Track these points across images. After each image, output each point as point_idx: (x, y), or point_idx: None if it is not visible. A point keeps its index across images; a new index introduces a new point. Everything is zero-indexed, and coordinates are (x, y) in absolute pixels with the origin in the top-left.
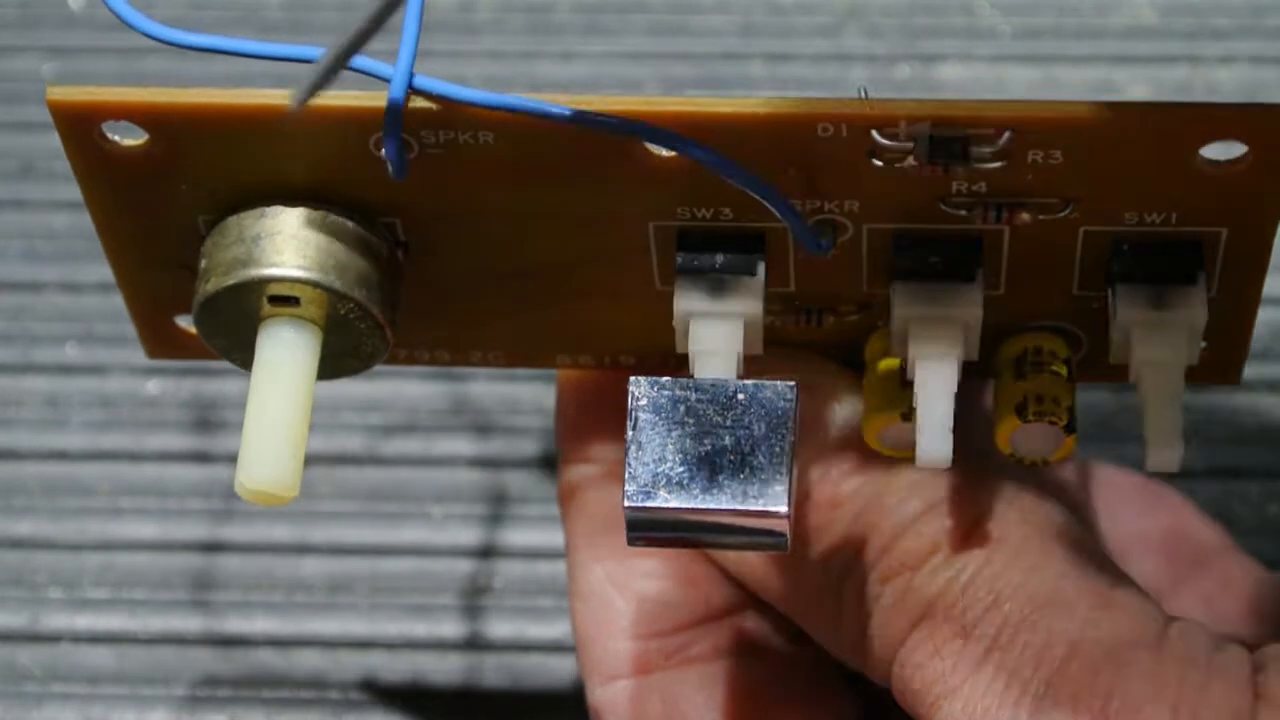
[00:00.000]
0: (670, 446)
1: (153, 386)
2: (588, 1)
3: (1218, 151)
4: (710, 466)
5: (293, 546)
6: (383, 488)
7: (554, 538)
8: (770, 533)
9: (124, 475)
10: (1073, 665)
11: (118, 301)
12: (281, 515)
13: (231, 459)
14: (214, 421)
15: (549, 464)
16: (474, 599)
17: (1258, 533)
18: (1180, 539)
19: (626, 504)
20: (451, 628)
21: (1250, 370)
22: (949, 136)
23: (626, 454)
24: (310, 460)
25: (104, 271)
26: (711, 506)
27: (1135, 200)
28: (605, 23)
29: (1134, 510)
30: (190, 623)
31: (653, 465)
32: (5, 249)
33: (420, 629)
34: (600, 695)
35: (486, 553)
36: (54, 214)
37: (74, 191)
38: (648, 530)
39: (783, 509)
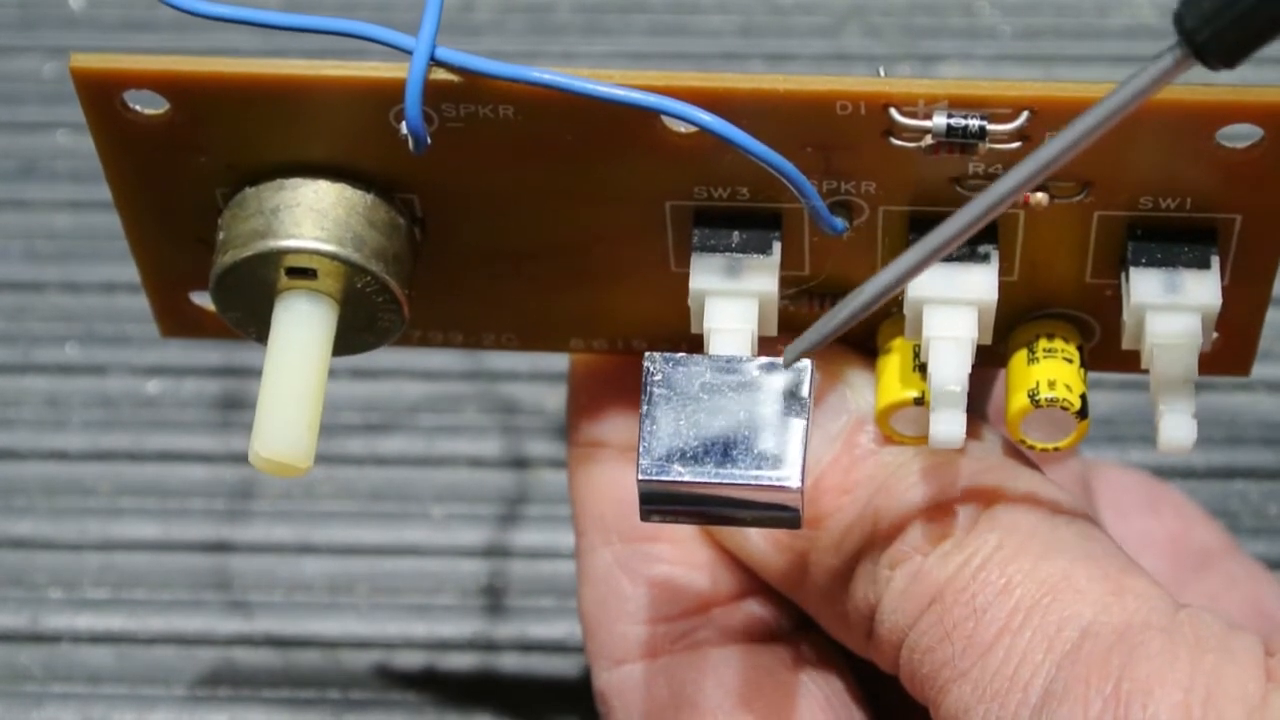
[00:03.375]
0: (684, 421)
1: (153, 386)
2: (588, 1)
3: (1234, 136)
4: (724, 441)
5: (293, 546)
6: (383, 488)
7: (555, 537)
8: (783, 507)
9: (124, 475)
10: (1084, 648)
11: (118, 301)
12: (282, 515)
13: (233, 459)
14: (215, 422)
15: (549, 464)
16: (474, 599)
17: (1258, 533)
18: (1184, 539)
19: (640, 477)
20: (451, 628)
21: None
22: (967, 116)
23: (640, 428)
24: None
25: (104, 271)
26: (725, 480)
27: (1150, 184)
28: (605, 23)
29: (1138, 510)
30: (190, 623)
31: (667, 439)
32: (5, 249)
33: (420, 629)
34: (607, 679)
35: (486, 553)
36: (54, 214)
37: (74, 191)
38: (661, 504)
39: (796, 483)
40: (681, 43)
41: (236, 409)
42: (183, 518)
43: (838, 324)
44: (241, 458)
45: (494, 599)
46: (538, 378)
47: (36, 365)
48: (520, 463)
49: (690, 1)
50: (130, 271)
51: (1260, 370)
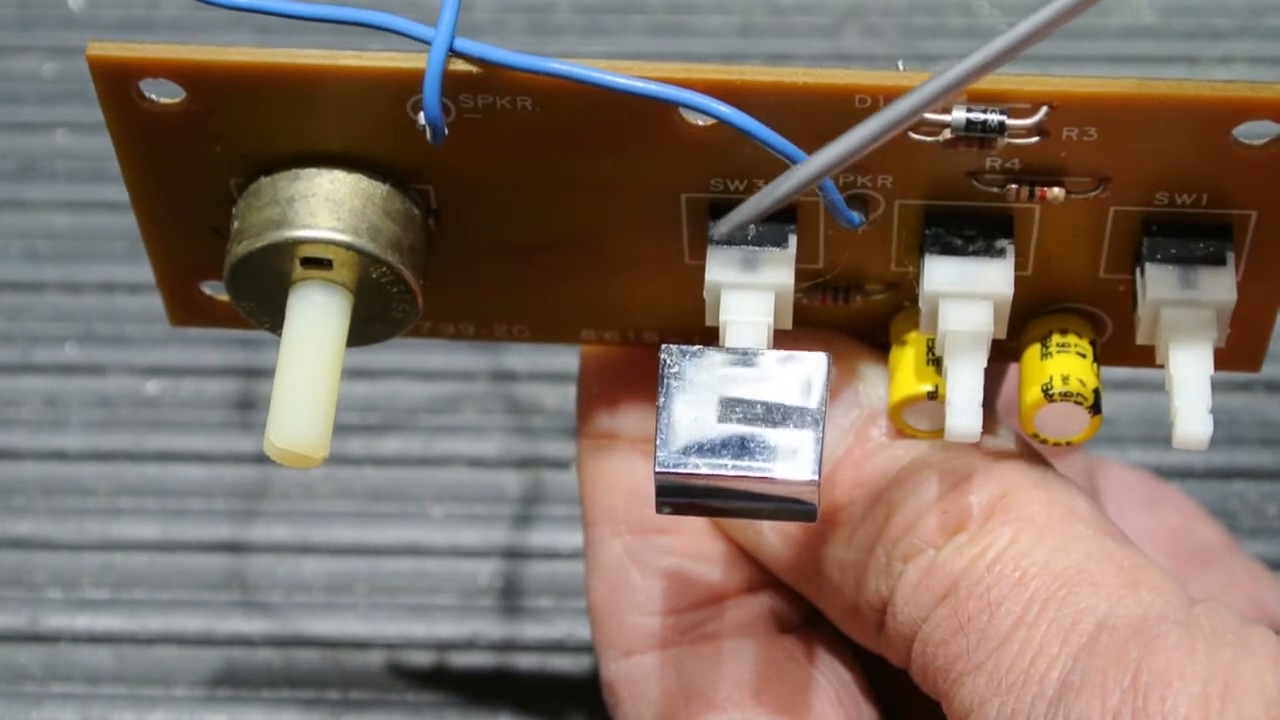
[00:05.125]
0: (701, 413)
1: (152, 387)
2: (588, 1)
3: (1251, 133)
4: (741, 434)
5: (293, 546)
6: (383, 488)
7: (554, 537)
8: (799, 501)
9: (123, 475)
10: (1101, 640)
11: (117, 301)
12: (281, 515)
13: (232, 459)
14: (214, 422)
15: (549, 463)
16: (473, 599)
17: (1257, 533)
18: (1185, 537)
19: (657, 469)
20: (450, 628)
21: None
22: (986, 111)
23: (657, 420)
24: None
25: (103, 271)
26: (741, 473)
27: (1166, 180)
28: (605, 23)
29: (1139, 507)
30: (190, 623)
31: (683, 432)
32: (5, 249)
33: (419, 629)
34: (615, 670)
35: (485, 552)
36: (54, 214)
37: (73, 191)
38: (677, 496)
39: (812, 477)
40: (680, 43)
41: (236, 409)
42: (182, 518)
43: (776, 198)
44: (241, 458)
45: (493, 599)
46: (537, 377)
47: (36, 365)
48: (520, 462)
49: (689, 1)
50: (129, 271)
51: (1261, 370)
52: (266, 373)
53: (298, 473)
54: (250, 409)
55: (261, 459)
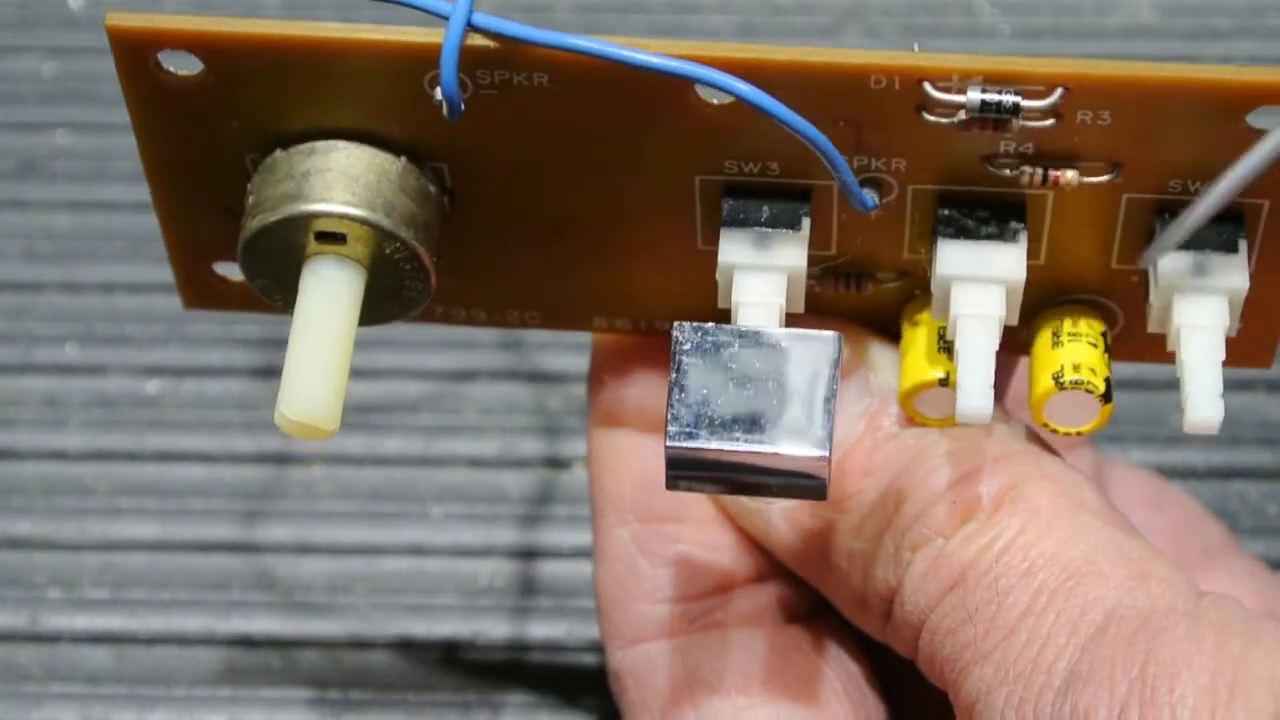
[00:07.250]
0: (713, 390)
1: (152, 386)
2: (588, 1)
3: (1264, 119)
4: (752, 411)
5: (293, 546)
6: (382, 487)
7: (553, 537)
8: (809, 476)
9: (123, 475)
10: (1109, 631)
11: (117, 301)
12: (281, 515)
13: (232, 458)
14: (214, 421)
15: (549, 464)
16: (474, 599)
17: (1257, 532)
18: (1187, 535)
19: (668, 443)
20: (451, 627)
21: (1250, 370)
22: (1001, 92)
23: (669, 396)
24: (310, 460)
25: (103, 271)
26: (752, 449)
27: (1180, 167)
28: (605, 22)
29: (1142, 504)
30: (190, 623)
31: (695, 407)
32: (5, 249)
33: (420, 629)
34: (621, 659)
35: (486, 552)
36: (54, 214)
37: (73, 191)
38: (688, 470)
39: (823, 453)
40: None
41: (237, 409)
42: (182, 518)
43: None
44: (242, 458)
45: (493, 599)
46: (538, 378)
47: (36, 365)
48: (520, 462)
49: (689, 1)
50: (129, 271)
51: (1261, 370)
52: (268, 372)
53: (299, 472)
54: (251, 409)
55: (263, 459)
